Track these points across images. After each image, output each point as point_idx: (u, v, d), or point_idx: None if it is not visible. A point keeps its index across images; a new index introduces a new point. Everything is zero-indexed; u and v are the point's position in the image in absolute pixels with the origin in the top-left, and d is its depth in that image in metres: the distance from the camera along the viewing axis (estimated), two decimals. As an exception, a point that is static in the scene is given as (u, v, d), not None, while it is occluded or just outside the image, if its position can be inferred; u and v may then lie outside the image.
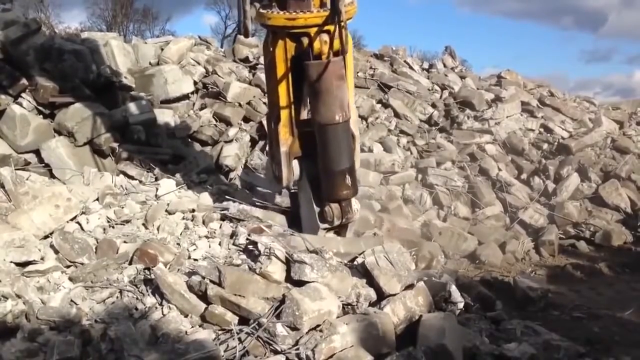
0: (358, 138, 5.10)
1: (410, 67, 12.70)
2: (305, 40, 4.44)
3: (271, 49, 4.68)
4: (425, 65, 13.69)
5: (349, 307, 3.85)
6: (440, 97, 11.86)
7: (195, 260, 4.13)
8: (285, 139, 4.87)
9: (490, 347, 3.88)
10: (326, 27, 4.40)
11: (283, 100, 4.77)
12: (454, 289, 4.33)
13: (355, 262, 4.44)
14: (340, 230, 5.05)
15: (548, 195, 9.76)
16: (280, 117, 4.82)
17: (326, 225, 4.87)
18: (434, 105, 11.34)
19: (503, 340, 4.15)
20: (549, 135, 11.21)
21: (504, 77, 12.78)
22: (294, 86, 4.73)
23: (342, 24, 4.30)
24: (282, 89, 4.72)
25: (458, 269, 7.31)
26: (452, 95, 11.78)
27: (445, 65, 13.64)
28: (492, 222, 8.91)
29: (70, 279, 3.85)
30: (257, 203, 5.39)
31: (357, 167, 5.13)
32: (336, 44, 4.40)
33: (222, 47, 13.96)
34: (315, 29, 4.40)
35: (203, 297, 3.64)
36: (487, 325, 4.44)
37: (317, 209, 4.89)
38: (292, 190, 5.43)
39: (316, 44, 4.41)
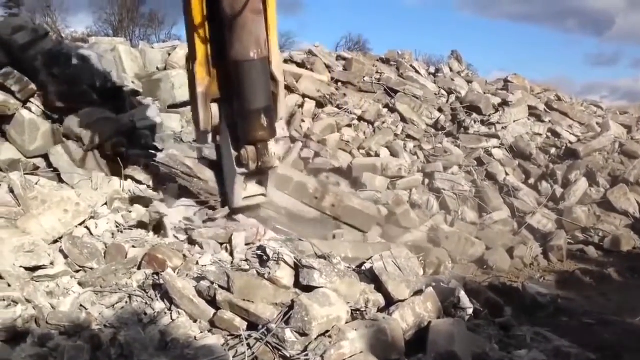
0: (282, 84, 4.92)
1: (417, 72, 12.69)
2: None
3: None
4: (432, 70, 13.68)
5: (358, 313, 3.84)
6: (447, 101, 11.84)
7: (204, 265, 4.13)
8: (202, 78, 4.71)
9: (500, 353, 3.86)
10: None
11: (198, 38, 4.61)
12: (463, 294, 4.31)
13: (363, 268, 4.42)
14: (260, 178, 4.94)
15: (556, 200, 9.72)
16: (196, 56, 4.67)
17: (243, 170, 4.73)
18: (440, 110, 11.32)
19: (513, 347, 4.11)
20: (556, 139, 11.17)
21: (511, 81, 12.74)
22: (212, 23, 4.56)
23: None
24: (197, 26, 4.56)
25: (466, 274, 7.27)
26: (458, 99, 11.76)
27: (451, 70, 13.61)
28: (500, 227, 8.87)
29: (80, 283, 3.86)
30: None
31: (282, 115, 5.02)
32: None
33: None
34: None
35: (212, 302, 3.64)
36: (497, 331, 4.41)
37: (234, 153, 4.74)
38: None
39: None
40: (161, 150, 7.28)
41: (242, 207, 5.00)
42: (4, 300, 3.57)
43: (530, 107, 11.74)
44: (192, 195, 5.14)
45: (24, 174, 5.30)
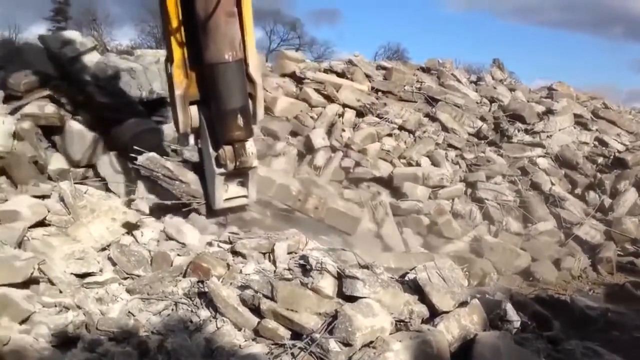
0: (260, 85, 4.92)
1: (458, 80, 12.56)
2: None
3: None
4: (473, 78, 13.53)
5: (402, 324, 3.80)
6: (489, 110, 11.68)
7: (247, 274, 4.16)
8: (180, 81, 4.72)
9: (549, 368, 3.77)
10: None
11: (175, 40, 4.62)
12: (509, 307, 4.22)
13: (406, 278, 4.38)
14: (242, 179, 4.95)
15: (604, 210, 9.44)
16: (173, 59, 4.68)
17: (222, 170, 4.73)
18: (482, 119, 11.17)
19: (562, 362, 4.02)
20: (604, 148, 10.88)
21: (556, 89, 12.49)
22: (188, 26, 4.57)
23: None
24: (173, 28, 4.57)
25: (511, 286, 7.13)
26: (501, 108, 11.58)
27: (493, 78, 13.44)
28: (546, 238, 8.66)
29: (128, 290, 3.94)
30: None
31: (260, 116, 4.99)
32: None
33: (266, 62, 14.15)
34: None
35: (256, 311, 3.67)
36: (545, 345, 4.29)
37: (213, 154, 4.74)
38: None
39: None
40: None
41: (224, 208, 5.04)
42: (55, 306, 3.67)
43: (575, 115, 11.48)
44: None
45: (74, 183, 5.45)
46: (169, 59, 4.80)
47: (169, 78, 4.81)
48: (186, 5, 4.47)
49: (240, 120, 4.53)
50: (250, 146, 4.73)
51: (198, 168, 5.29)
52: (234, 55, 4.40)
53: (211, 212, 5.12)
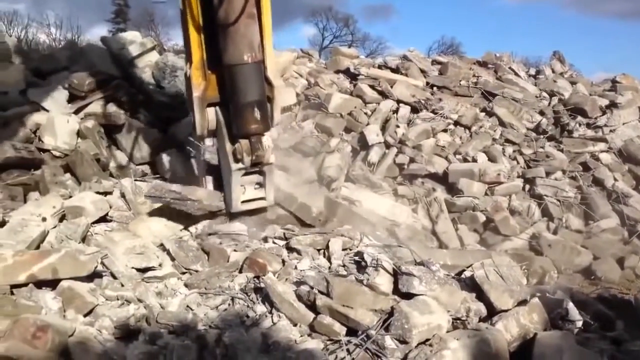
0: (277, 88, 4.85)
1: (516, 74, 12.26)
2: None
3: None
4: (532, 72, 13.17)
5: (459, 322, 3.74)
6: (549, 104, 11.34)
7: (302, 270, 4.18)
8: (198, 83, 4.70)
9: (613, 369, 3.64)
10: None
11: (194, 42, 4.61)
12: (571, 306, 4.09)
13: (463, 275, 4.32)
14: (259, 182, 4.87)
15: (671, 207, 9.04)
16: (192, 61, 4.67)
17: (239, 166, 4.65)
18: (542, 113, 10.86)
19: (626, 363, 3.88)
20: (670, 142, 10.41)
21: (619, 82, 12.00)
22: (208, 29, 4.56)
23: None
24: (193, 30, 4.58)
25: (572, 284, 6.92)
26: (561, 101, 11.23)
27: (553, 71, 13.04)
28: (608, 236, 8.36)
29: (186, 285, 4.03)
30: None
31: (277, 119, 4.93)
32: None
33: (319, 58, 14.19)
34: None
35: (311, 306, 3.68)
36: (608, 345, 4.15)
37: (229, 148, 4.68)
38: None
39: None
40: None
41: (241, 210, 4.95)
42: (117, 299, 3.79)
43: (641, 109, 11.03)
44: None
45: (134, 180, 5.61)
46: (188, 61, 4.85)
47: (187, 80, 4.84)
48: (207, 7, 4.51)
49: (257, 113, 4.51)
50: (267, 140, 4.70)
51: (217, 171, 5.29)
52: (252, 56, 4.42)
53: (230, 215, 5.08)
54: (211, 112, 4.85)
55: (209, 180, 5.29)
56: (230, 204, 4.89)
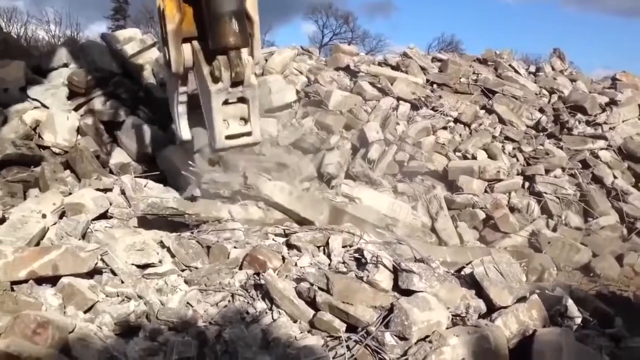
0: (257, 24, 4.56)
1: (516, 71, 12.24)
2: None
3: None
4: (532, 69, 13.16)
5: (459, 318, 3.76)
6: (549, 101, 11.34)
7: (302, 267, 4.19)
8: (172, 15, 4.37)
9: (612, 366, 3.66)
10: None
11: None
12: (570, 303, 4.11)
13: (462, 272, 4.34)
14: (245, 110, 4.51)
15: (671, 204, 9.05)
16: None
17: (218, 86, 4.32)
18: (541, 110, 10.86)
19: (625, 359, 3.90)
20: (670, 140, 10.41)
21: (619, 79, 12.00)
22: None
23: None
24: None
25: (571, 282, 6.94)
26: (561, 99, 11.22)
27: (553, 69, 13.03)
28: (608, 233, 8.37)
29: (186, 281, 4.03)
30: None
31: (257, 58, 4.57)
32: None
33: (319, 55, 14.19)
34: None
35: (311, 303, 3.69)
36: (607, 342, 4.18)
37: (206, 70, 4.36)
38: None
39: None
40: (260, 155, 7.45)
41: (226, 148, 4.64)
42: (118, 295, 3.80)
43: (641, 106, 11.03)
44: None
45: (134, 177, 5.62)
46: None
47: (161, 13, 4.49)
48: None
49: (235, 25, 4.18)
50: (247, 57, 4.41)
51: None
52: None
53: (214, 155, 4.85)
54: (187, 47, 4.52)
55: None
56: (213, 140, 4.53)
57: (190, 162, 6.14)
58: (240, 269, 4.22)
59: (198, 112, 4.80)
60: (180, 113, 5.20)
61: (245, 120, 4.55)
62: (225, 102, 4.43)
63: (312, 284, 3.72)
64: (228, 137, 4.50)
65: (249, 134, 4.58)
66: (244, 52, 4.40)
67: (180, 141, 5.29)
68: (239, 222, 4.95)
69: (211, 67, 4.34)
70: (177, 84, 4.93)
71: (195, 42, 4.51)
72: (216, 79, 4.33)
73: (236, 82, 4.37)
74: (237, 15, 4.20)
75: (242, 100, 4.49)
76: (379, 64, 11.74)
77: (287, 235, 4.72)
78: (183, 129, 5.11)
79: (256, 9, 4.55)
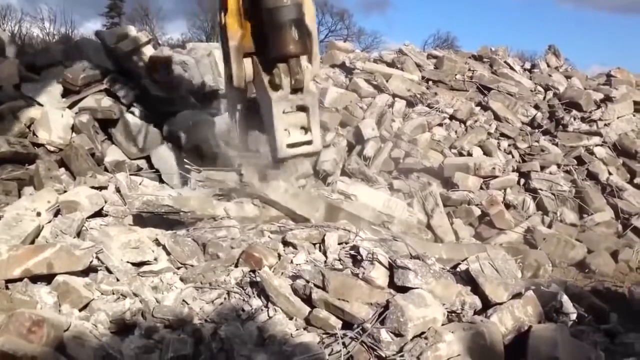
0: (315, 38, 4.67)
1: (511, 68, 12.27)
2: None
3: None
4: (527, 66, 13.18)
5: (454, 315, 3.77)
6: (544, 98, 11.37)
7: (298, 264, 4.19)
8: (234, 31, 4.53)
9: (607, 361, 3.67)
10: None
11: None
12: (565, 299, 4.11)
13: (458, 269, 4.34)
14: (305, 119, 4.59)
15: (665, 200, 9.07)
16: (227, 7, 4.52)
17: (279, 94, 4.40)
18: (537, 107, 10.89)
19: (620, 355, 3.92)
20: (665, 136, 10.44)
21: (614, 76, 12.03)
22: None
23: None
24: None
25: (566, 278, 6.96)
26: (556, 96, 11.26)
27: (548, 65, 13.05)
28: (603, 229, 8.39)
29: (182, 279, 4.03)
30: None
31: (316, 70, 4.68)
32: None
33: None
34: None
35: (307, 300, 3.69)
36: (602, 338, 4.19)
37: (266, 79, 4.46)
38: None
39: None
40: (256, 152, 7.43)
41: (288, 156, 4.69)
42: (113, 293, 3.79)
43: (635, 103, 11.02)
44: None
45: (129, 175, 5.60)
46: (223, 7, 4.65)
47: (222, 29, 4.64)
48: None
49: (295, 33, 4.31)
50: (306, 64, 4.49)
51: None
52: None
53: (276, 166, 4.85)
54: (247, 62, 4.64)
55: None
56: (275, 150, 4.58)
57: (185, 160, 6.13)
58: (236, 266, 4.21)
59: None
60: (240, 123, 5.35)
61: (306, 129, 4.61)
62: (286, 111, 4.51)
63: (307, 281, 3.72)
64: (289, 146, 4.57)
65: (309, 142, 4.65)
66: (303, 59, 4.49)
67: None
68: (235, 220, 4.93)
69: (271, 75, 4.44)
70: (237, 97, 5.07)
71: (254, 57, 4.63)
72: (276, 87, 4.43)
73: (295, 90, 4.47)
74: (297, 24, 4.33)
75: (301, 108, 4.57)
76: (375, 61, 11.75)
77: (283, 232, 4.70)
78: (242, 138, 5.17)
79: (315, 23, 4.68)
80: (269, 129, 4.65)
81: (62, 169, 6.89)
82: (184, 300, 3.79)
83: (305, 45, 4.46)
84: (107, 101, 7.79)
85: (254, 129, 5.32)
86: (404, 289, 3.71)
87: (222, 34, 4.71)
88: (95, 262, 3.97)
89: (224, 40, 4.71)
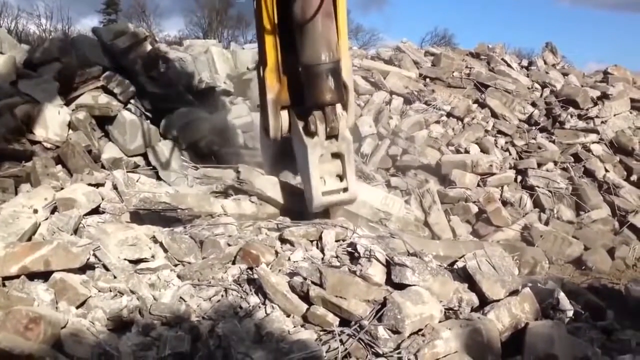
0: (352, 90, 4.77)
1: (509, 65, 12.29)
2: None
3: None
4: (524, 63, 13.20)
5: (451, 312, 3.78)
6: (541, 95, 11.39)
7: (295, 261, 4.19)
8: (272, 85, 4.62)
9: (604, 358, 3.69)
10: None
11: (269, 44, 4.55)
12: (562, 296, 4.12)
13: (455, 266, 4.34)
14: (340, 166, 4.61)
15: (662, 198, 9.10)
16: (267, 63, 4.60)
17: (314, 141, 4.44)
18: (534, 104, 10.91)
19: (616, 352, 3.93)
20: (661, 134, 10.48)
21: (611, 73, 12.06)
22: (284, 30, 4.48)
23: None
24: (268, 31, 4.50)
25: (563, 275, 6.97)
26: (553, 93, 11.28)
27: (545, 63, 13.07)
28: (599, 227, 8.42)
29: (179, 276, 4.02)
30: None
31: (351, 122, 4.76)
32: None
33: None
34: None
35: (305, 297, 3.68)
36: (598, 335, 4.21)
37: (301, 124, 4.53)
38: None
39: None
40: (253, 149, 7.44)
41: (324, 205, 4.67)
42: (110, 290, 3.79)
43: (632, 100, 11.07)
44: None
45: (126, 172, 5.59)
46: (262, 63, 4.75)
47: (261, 82, 4.74)
48: (282, 7, 4.43)
49: (331, 82, 4.35)
50: (341, 111, 4.52)
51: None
52: (330, 56, 4.33)
53: (312, 216, 4.77)
54: (284, 114, 4.75)
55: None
56: (311, 199, 4.58)
57: (182, 158, 6.15)
58: (234, 263, 4.21)
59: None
60: (271, 169, 5.44)
61: (341, 177, 4.64)
62: (321, 158, 4.54)
63: (305, 278, 3.71)
64: (325, 194, 4.59)
65: (345, 189, 4.66)
66: (338, 107, 4.52)
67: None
68: (232, 217, 4.93)
69: (306, 123, 4.49)
70: (272, 146, 5.15)
71: (290, 108, 4.73)
72: (311, 134, 4.47)
73: (330, 137, 4.51)
74: (333, 73, 4.36)
75: (336, 156, 4.59)
76: (372, 58, 11.77)
77: (280, 229, 4.70)
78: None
79: (351, 77, 4.80)
80: (305, 178, 4.70)
81: (59, 166, 6.88)
82: (181, 298, 3.78)
83: (341, 94, 4.50)
84: (104, 98, 7.77)
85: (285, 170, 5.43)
86: (401, 286, 3.71)
87: (261, 87, 4.80)
88: (92, 259, 3.95)
89: (262, 93, 4.80)
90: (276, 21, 4.49)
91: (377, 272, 3.77)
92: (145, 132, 7.65)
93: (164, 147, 7.45)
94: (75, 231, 4.45)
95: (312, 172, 4.50)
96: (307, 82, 4.43)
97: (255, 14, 4.76)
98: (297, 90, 4.59)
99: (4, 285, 3.59)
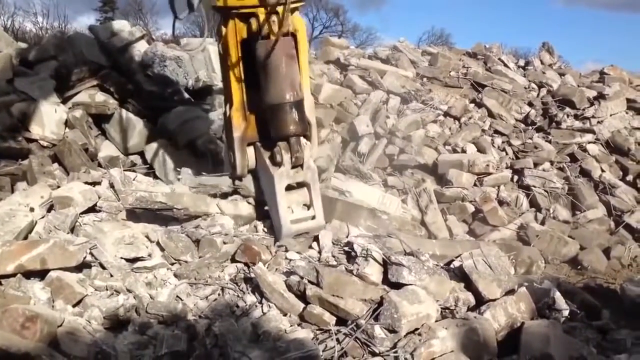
0: (314, 126, 4.85)
1: (505, 65, 12.31)
2: (255, 22, 4.34)
3: (222, 32, 4.57)
4: (521, 63, 13.22)
5: (448, 311, 3.79)
6: (538, 95, 11.41)
7: (292, 260, 4.19)
8: (239, 124, 4.72)
9: (599, 357, 3.71)
10: (276, 9, 4.28)
11: (234, 84, 4.64)
12: (558, 295, 4.14)
13: (451, 265, 4.36)
14: (307, 196, 4.70)
15: (657, 198, 9.13)
16: (233, 102, 4.70)
17: (281, 170, 4.53)
18: (530, 104, 10.93)
19: (612, 351, 3.94)
20: (657, 134, 10.50)
21: (607, 73, 12.09)
22: (249, 70, 4.58)
23: (287, 4, 4.14)
24: (234, 72, 4.60)
25: (559, 274, 6.99)
26: (550, 93, 11.30)
27: (542, 62, 13.10)
28: (595, 226, 8.45)
29: (176, 275, 4.02)
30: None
31: (315, 155, 4.89)
32: (285, 25, 4.24)
33: (309, 48, 14.13)
34: (264, 10, 4.30)
35: (301, 296, 3.70)
36: (594, 334, 4.23)
37: (266, 155, 4.64)
38: None
39: (265, 25, 4.30)
40: None
41: (292, 233, 4.64)
42: (107, 289, 3.78)
43: (628, 100, 11.09)
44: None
45: (123, 170, 5.58)
46: (228, 102, 4.85)
47: (227, 121, 4.85)
48: (246, 49, 4.53)
49: (295, 114, 4.48)
50: (304, 142, 4.67)
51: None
52: (294, 95, 4.44)
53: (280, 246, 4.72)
54: (250, 150, 4.85)
55: None
56: (280, 227, 4.61)
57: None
58: (233, 259, 4.22)
59: None
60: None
61: (308, 205, 4.72)
62: (288, 188, 4.63)
63: (302, 277, 3.73)
64: (293, 222, 4.64)
65: (312, 217, 4.72)
66: (302, 139, 4.64)
67: None
68: (228, 217, 4.94)
69: (272, 153, 4.61)
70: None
71: (256, 143, 4.82)
72: (278, 164, 4.57)
73: (295, 166, 4.61)
74: (297, 108, 4.51)
75: (302, 185, 4.70)
76: (369, 58, 11.77)
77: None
78: None
79: (313, 114, 4.87)
80: (272, 207, 4.76)
81: (56, 165, 6.85)
82: (177, 296, 3.79)
83: (305, 127, 4.63)
84: (100, 96, 7.74)
85: None
86: (397, 285, 3.73)
87: (227, 126, 4.90)
88: (88, 257, 3.95)
89: (228, 131, 4.88)
90: (241, 63, 4.58)
91: (373, 272, 3.78)
92: (142, 130, 7.62)
93: (161, 145, 7.43)
94: (72, 230, 4.44)
95: (279, 201, 4.58)
96: (271, 118, 4.56)
97: (220, 56, 4.84)
98: (263, 126, 4.72)
99: (0, 283, 3.58)
